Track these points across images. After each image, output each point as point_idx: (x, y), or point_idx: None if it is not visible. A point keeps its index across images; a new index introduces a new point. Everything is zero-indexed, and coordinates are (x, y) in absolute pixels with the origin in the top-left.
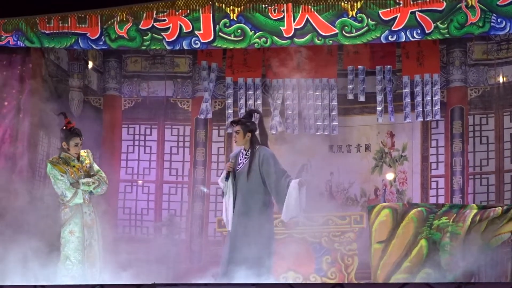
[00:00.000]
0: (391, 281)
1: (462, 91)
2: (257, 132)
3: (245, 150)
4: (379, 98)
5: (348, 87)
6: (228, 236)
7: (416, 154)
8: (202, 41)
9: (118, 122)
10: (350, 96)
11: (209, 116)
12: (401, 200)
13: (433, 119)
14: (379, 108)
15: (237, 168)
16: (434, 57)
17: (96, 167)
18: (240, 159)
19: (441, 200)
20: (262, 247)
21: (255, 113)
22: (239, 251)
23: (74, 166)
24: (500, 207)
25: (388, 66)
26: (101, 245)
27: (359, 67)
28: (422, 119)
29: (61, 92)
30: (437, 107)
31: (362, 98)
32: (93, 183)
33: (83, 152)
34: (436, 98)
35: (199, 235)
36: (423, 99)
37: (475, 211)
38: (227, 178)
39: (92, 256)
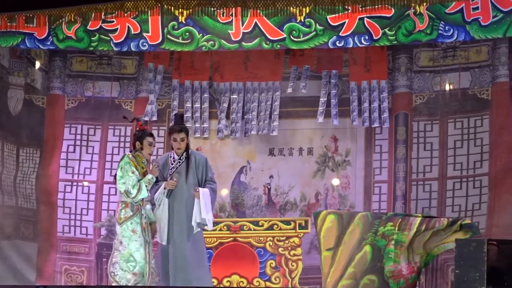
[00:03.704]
0: (338, 287)
1: (407, 97)
2: None
3: (177, 155)
4: (322, 99)
5: (290, 84)
6: (169, 246)
7: (359, 159)
8: (150, 43)
9: (60, 122)
10: (289, 90)
11: (154, 118)
12: (343, 205)
13: (382, 126)
14: (320, 109)
15: (170, 173)
16: (382, 64)
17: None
18: (172, 164)
19: (384, 206)
20: (203, 247)
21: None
22: (183, 256)
23: (143, 168)
24: (446, 219)
25: (334, 71)
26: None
27: (304, 66)
28: (368, 125)
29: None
30: (386, 114)
31: (304, 91)
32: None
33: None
34: (384, 105)
35: None
36: (370, 106)
37: (420, 219)
38: (168, 196)
39: (150, 258)
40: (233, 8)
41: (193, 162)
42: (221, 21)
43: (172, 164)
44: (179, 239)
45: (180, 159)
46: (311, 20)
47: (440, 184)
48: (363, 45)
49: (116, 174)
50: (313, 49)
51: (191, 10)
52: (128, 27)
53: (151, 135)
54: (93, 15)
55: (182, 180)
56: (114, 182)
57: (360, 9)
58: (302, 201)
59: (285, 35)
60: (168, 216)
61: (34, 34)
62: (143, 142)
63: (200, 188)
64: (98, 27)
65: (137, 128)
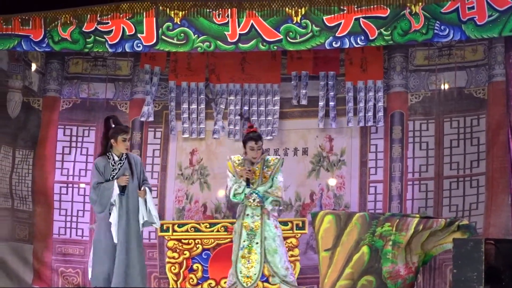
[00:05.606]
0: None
1: (402, 96)
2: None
3: (117, 157)
4: (321, 103)
5: (293, 93)
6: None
7: (354, 158)
8: (144, 44)
9: (55, 123)
10: (294, 102)
11: (151, 119)
12: (338, 205)
13: (377, 125)
14: (320, 114)
15: (113, 175)
16: (378, 64)
17: (276, 179)
18: (113, 166)
19: (379, 206)
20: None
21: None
22: (128, 257)
23: (257, 169)
24: (443, 220)
25: (332, 72)
26: (263, 250)
27: (302, 72)
28: (364, 125)
29: None
30: (381, 114)
31: (304, 102)
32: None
33: (273, 158)
34: (379, 104)
35: None
36: (365, 105)
37: (417, 219)
38: (122, 192)
39: (252, 260)
40: (229, 9)
41: (132, 162)
42: (217, 22)
43: (113, 165)
44: (127, 239)
45: (120, 160)
46: (307, 21)
47: (437, 183)
48: (359, 45)
49: None
50: (310, 50)
51: (186, 11)
52: (123, 28)
53: (252, 138)
54: (88, 16)
55: (129, 180)
56: None
57: (355, 9)
58: (297, 201)
59: (281, 36)
60: (118, 216)
61: (30, 37)
62: (246, 146)
63: (146, 187)
64: (93, 28)
65: (247, 128)
